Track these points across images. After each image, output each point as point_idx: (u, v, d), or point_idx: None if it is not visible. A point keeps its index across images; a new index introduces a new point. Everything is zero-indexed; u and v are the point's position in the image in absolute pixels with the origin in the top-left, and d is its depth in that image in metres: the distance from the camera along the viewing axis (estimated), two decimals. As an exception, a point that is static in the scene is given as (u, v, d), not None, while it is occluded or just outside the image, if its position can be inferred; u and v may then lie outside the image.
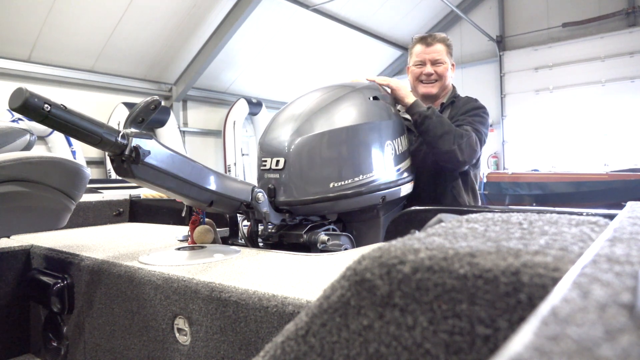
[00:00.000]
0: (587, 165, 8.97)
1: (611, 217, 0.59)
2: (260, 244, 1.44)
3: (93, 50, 6.71)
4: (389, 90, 1.78)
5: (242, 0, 7.17)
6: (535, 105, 9.96)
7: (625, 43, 9.13)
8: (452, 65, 2.07)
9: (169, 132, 7.59)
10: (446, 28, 10.80)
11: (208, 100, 8.89)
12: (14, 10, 5.57)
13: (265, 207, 1.34)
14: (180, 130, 8.13)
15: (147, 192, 2.47)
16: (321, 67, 9.82)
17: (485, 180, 7.61)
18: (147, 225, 2.04)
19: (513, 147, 10.38)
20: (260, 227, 1.37)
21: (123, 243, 1.49)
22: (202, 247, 1.29)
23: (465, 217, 0.59)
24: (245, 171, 8.85)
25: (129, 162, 1.07)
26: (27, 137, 1.65)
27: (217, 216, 1.49)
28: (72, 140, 6.13)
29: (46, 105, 0.93)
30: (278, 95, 9.83)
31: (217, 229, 1.43)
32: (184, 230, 1.59)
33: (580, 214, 0.87)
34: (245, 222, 1.48)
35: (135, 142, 1.07)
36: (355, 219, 1.56)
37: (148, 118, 1.11)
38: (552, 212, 0.80)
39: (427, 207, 1.50)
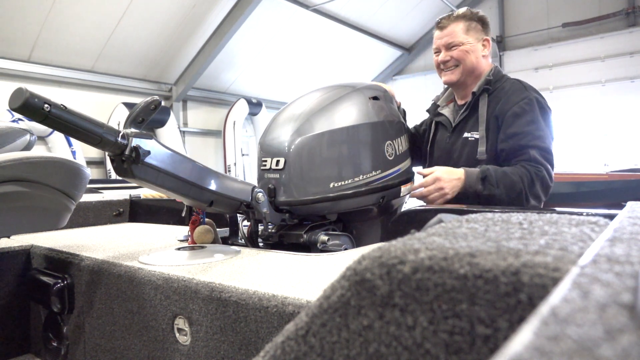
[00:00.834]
0: (587, 165, 8.96)
1: (611, 217, 0.59)
2: (260, 244, 1.44)
3: (93, 50, 6.71)
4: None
5: (242, 0, 7.16)
6: (535, 105, 9.93)
7: (625, 43, 9.12)
8: (485, 41, 1.78)
9: (169, 132, 7.58)
10: (446, 28, 10.78)
11: (208, 100, 8.89)
12: (14, 10, 5.57)
13: (265, 207, 1.33)
14: (180, 130, 8.13)
15: (147, 192, 2.46)
16: (321, 67, 9.81)
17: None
18: (147, 225, 2.04)
19: (513, 147, 10.36)
20: (260, 227, 1.37)
21: (123, 243, 1.49)
22: (202, 247, 1.29)
23: (465, 217, 0.59)
24: (245, 171, 8.85)
25: (129, 162, 1.07)
26: (27, 137, 1.65)
27: (217, 216, 1.49)
28: (72, 140, 6.13)
29: (46, 106, 0.93)
30: (278, 95, 9.83)
31: (217, 229, 1.43)
32: (184, 230, 1.59)
33: (580, 214, 0.87)
34: (245, 222, 1.48)
35: (135, 142, 1.07)
36: (355, 219, 1.56)
37: (148, 118, 1.11)
38: (552, 212, 0.80)
39: (427, 207, 1.51)
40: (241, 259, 1.14)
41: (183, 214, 1.37)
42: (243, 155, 8.84)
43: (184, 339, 0.98)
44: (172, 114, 7.78)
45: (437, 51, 1.80)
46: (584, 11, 9.54)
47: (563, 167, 8.77)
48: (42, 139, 6.12)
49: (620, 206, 0.74)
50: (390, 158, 1.51)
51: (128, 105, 6.92)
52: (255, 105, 8.93)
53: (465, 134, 1.75)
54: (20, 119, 4.80)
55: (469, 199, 1.57)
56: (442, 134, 1.86)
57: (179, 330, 0.99)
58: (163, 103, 1.44)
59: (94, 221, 2.13)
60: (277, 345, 0.47)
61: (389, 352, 0.39)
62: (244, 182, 1.37)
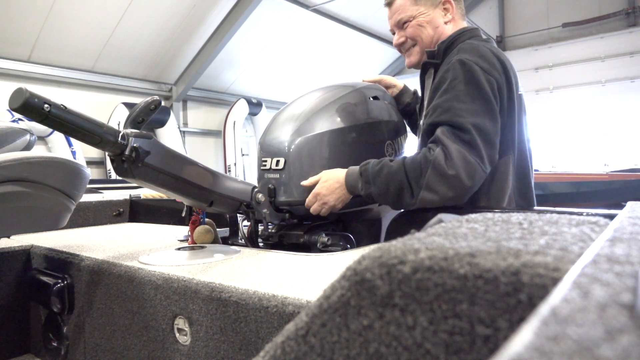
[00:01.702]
0: (587, 165, 8.96)
1: (611, 217, 0.59)
2: (260, 244, 1.44)
3: (93, 50, 6.71)
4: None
5: (242, 0, 7.17)
6: (535, 105, 9.95)
7: (625, 43, 9.13)
8: (446, 3, 1.46)
9: (169, 132, 7.58)
10: (446, 28, 10.79)
11: (208, 100, 8.89)
12: (14, 11, 5.57)
13: (265, 208, 1.33)
14: (180, 131, 8.13)
15: (147, 192, 2.47)
16: (321, 67, 9.81)
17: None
18: (147, 225, 2.04)
19: (513, 147, 10.37)
20: (260, 227, 1.37)
21: (123, 243, 1.49)
22: (202, 247, 1.29)
23: (465, 217, 0.59)
24: (245, 171, 8.85)
25: (129, 162, 1.07)
26: (27, 137, 1.65)
27: (217, 216, 1.49)
28: (72, 140, 6.13)
29: (46, 106, 0.93)
30: (278, 95, 9.83)
31: (217, 229, 1.43)
32: (184, 230, 1.59)
33: (580, 214, 0.87)
34: (245, 222, 1.48)
35: (135, 142, 1.07)
36: (355, 219, 1.56)
37: (148, 118, 1.12)
38: (552, 212, 0.80)
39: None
40: (241, 259, 1.14)
41: (183, 214, 1.37)
42: (243, 155, 8.84)
43: (184, 339, 0.98)
44: (172, 114, 7.78)
45: (393, 33, 1.56)
46: (584, 11, 9.54)
47: (563, 167, 8.79)
48: (42, 139, 6.12)
49: (620, 206, 0.74)
50: (391, 158, 1.51)
51: (128, 105, 6.93)
52: (255, 105, 8.93)
53: (421, 121, 1.53)
54: (20, 119, 4.80)
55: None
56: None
57: (179, 330, 0.99)
58: (163, 103, 1.44)
59: (94, 221, 2.13)
60: (277, 345, 0.47)
61: (389, 352, 0.39)
62: (244, 182, 1.37)
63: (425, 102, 1.45)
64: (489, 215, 0.60)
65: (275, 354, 0.47)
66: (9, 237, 1.63)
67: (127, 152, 1.06)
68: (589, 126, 9.42)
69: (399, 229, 1.43)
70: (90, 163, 6.78)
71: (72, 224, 1.95)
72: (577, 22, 9.53)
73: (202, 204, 1.28)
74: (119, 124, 6.25)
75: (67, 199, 1.38)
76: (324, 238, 1.35)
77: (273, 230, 1.42)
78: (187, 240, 1.41)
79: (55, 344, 1.37)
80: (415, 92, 1.75)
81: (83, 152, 6.41)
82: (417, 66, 1.54)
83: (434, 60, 1.44)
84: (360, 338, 0.41)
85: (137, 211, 2.30)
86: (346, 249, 1.36)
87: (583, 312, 0.24)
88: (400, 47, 1.54)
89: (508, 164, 1.35)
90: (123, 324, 1.14)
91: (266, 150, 1.44)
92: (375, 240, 1.56)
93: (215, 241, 1.39)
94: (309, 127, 1.40)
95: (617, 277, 0.29)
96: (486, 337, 0.35)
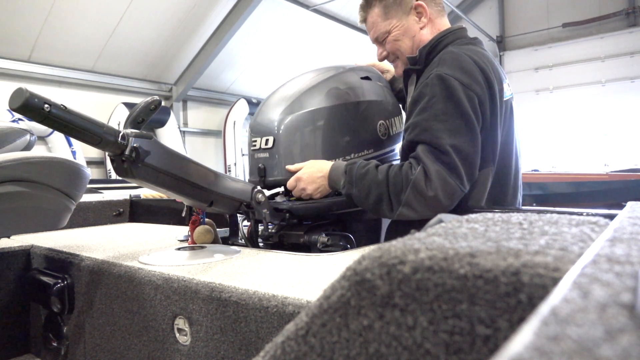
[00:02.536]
0: (587, 165, 8.97)
1: (611, 217, 0.59)
2: (260, 244, 1.44)
3: (93, 50, 6.71)
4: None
5: (242, 1, 7.17)
6: (535, 105, 9.96)
7: (625, 43, 9.13)
8: (418, 7, 1.39)
9: (169, 132, 7.59)
10: (446, 28, 10.80)
11: (208, 100, 8.89)
12: (14, 10, 5.57)
13: (265, 208, 1.33)
14: (180, 131, 8.13)
15: (147, 192, 2.47)
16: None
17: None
18: (147, 225, 2.04)
19: (513, 147, 10.37)
20: (260, 227, 1.37)
21: (123, 243, 1.49)
22: (202, 247, 1.29)
23: (465, 217, 0.59)
24: (245, 171, 8.85)
25: (129, 163, 1.07)
26: (27, 137, 1.66)
27: (217, 216, 1.49)
28: (72, 140, 6.13)
29: (46, 106, 0.93)
30: (278, 95, 9.81)
31: (217, 229, 1.43)
32: (184, 230, 1.59)
33: (580, 214, 0.87)
34: (245, 222, 1.48)
35: (135, 142, 1.07)
36: (355, 219, 1.56)
37: (148, 118, 1.12)
38: (552, 212, 0.80)
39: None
40: (241, 259, 1.14)
41: (183, 214, 1.37)
42: (243, 155, 8.84)
43: (184, 339, 0.98)
44: (172, 114, 7.79)
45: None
46: (584, 11, 9.55)
47: (563, 167, 8.80)
48: (42, 139, 6.12)
49: (620, 206, 0.74)
50: (384, 138, 1.50)
51: (128, 105, 6.93)
52: (255, 105, 8.92)
53: (402, 128, 1.51)
54: (20, 119, 4.80)
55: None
56: None
57: (179, 330, 0.99)
58: (163, 103, 1.44)
59: (94, 221, 2.13)
60: (277, 345, 0.47)
61: (389, 352, 0.39)
62: (244, 182, 1.37)
63: (406, 113, 1.42)
64: (489, 215, 0.60)
65: (275, 354, 0.47)
66: (9, 237, 1.63)
67: (127, 152, 1.06)
68: (589, 126, 9.42)
69: (399, 229, 1.43)
70: (90, 163, 6.78)
71: (72, 224, 1.95)
72: (577, 22, 9.54)
73: (202, 204, 1.28)
74: (119, 124, 6.26)
75: (67, 199, 1.38)
76: (324, 238, 1.35)
77: (273, 230, 1.42)
78: (187, 240, 1.41)
79: (55, 344, 1.37)
80: None
81: (83, 152, 6.41)
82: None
83: (415, 66, 1.42)
84: (360, 338, 0.41)
85: (137, 211, 2.30)
86: (346, 249, 1.36)
87: (583, 312, 0.24)
88: (384, 60, 1.53)
89: (488, 176, 1.34)
90: (123, 324, 1.14)
91: (256, 130, 1.44)
92: (375, 240, 1.56)
93: (215, 241, 1.39)
94: (298, 105, 1.40)
95: (617, 277, 0.29)
96: (486, 337, 0.35)
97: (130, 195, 2.35)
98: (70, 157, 1.46)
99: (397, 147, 1.56)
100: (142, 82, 7.72)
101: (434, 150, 1.20)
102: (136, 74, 7.58)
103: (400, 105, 1.66)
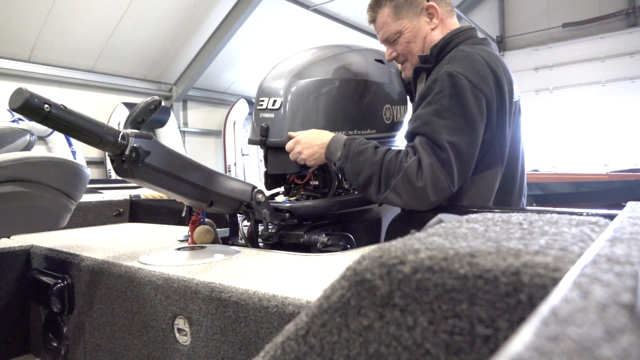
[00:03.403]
0: (587, 165, 8.97)
1: (611, 217, 0.59)
2: (260, 244, 1.44)
3: (93, 50, 6.71)
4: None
5: (242, 1, 7.17)
6: (535, 105, 9.95)
7: (625, 43, 9.14)
8: (430, 7, 1.39)
9: (169, 132, 7.58)
10: (446, 28, 10.81)
11: (208, 100, 8.89)
12: (14, 10, 5.57)
13: (265, 208, 1.33)
14: (180, 131, 8.13)
15: (147, 192, 2.46)
16: (321, 67, 9.80)
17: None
18: (147, 225, 2.04)
19: (513, 147, 10.37)
20: (260, 227, 1.37)
21: (123, 243, 1.49)
22: (202, 247, 1.29)
23: (465, 217, 0.59)
24: (245, 171, 8.85)
25: (129, 163, 1.07)
26: (27, 137, 1.66)
27: (217, 216, 1.49)
28: (72, 140, 6.13)
29: (46, 106, 0.93)
30: (278, 96, 9.81)
31: (217, 229, 1.43)
32: (184, 230, 1.59)
33: (580, 214, 0.87)
34: (245, 222, 1.48)
35: (135, 142, 1.07)
36: (355, 219, 1.56)
37: (148, 118, 1.12)
38: (552, 212, 0.80)
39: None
40: (241, 259, 1.14)
41: (183, 214, 1.37)
42: (243, 155, 8.84)
43: (184, 339, 0.98)
44: (172, 114, 7.78)
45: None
46: (584, 11, 9.55)
47: (563, 167, 8.80)
48: (42, 139, 6.12)
49: (620, 206, 0.74)
50: (387, 122, 1.52)
51: (128, 105, 6.92)
52: (255, 106, 8.92)
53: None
54: (20, 119, 4.80)
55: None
56: None
57: (179, 330, 0.99)
58: (163, 103, 1.44)
59: (94, 221, 2.13)
60: (277, 346, 0.47)
61: (389, 352, 0.39)
62: (244, 182, 1.37)
63: (413, 108, 1.43)
64: (489, 215, 0.60)
65: (276, 354, 0.47)
66: (9, 237, 1.63)
67: (127, 152, 1.06)
68: (589, 126, 9.42)
69: (399, 229, 1.43)
70: (90, 163, 6.78)
71: (72, 224, 1.94)
72: (577, 22, 9.54)
73: (202, 204, 1.28)
74: (119, 124, 6.26)
75: (67, 199, 1.38)
76: (324, 238, 1.35)
77: (273, 230, 1.42)
78: (187, 240, 1.41)
79: (55, 344, 1.37)
80: None
81: (83, 152, 6.41)
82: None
83: (426, 65, 1.41)
84: (360, 338, 0.41)
85: (137, 211, 2.29)
86: (346, 249, 1.36)
87: (583, 312, 0.24)
88: (393, 60, 1.52)
89: (496, 176, 1.34)
90: (123, 324, 1.14)
91: (265, 90, 1.45)
92: (375, 240, 1.56)
93: (215, 241, 1.39)
94: (308, 72, 1.41)
95: (617, 277, 0.29)
96: (486, 337, 0.35)
97: (130, 195, 2.34)
98: (70, 157, 1.46)
99: (399, 134, 1.57)
100: (142, 82, 7.72)
101: (432, 143, 1.20)
102: (136, 74, 7.58)
103: (408, 97, 1.67)
